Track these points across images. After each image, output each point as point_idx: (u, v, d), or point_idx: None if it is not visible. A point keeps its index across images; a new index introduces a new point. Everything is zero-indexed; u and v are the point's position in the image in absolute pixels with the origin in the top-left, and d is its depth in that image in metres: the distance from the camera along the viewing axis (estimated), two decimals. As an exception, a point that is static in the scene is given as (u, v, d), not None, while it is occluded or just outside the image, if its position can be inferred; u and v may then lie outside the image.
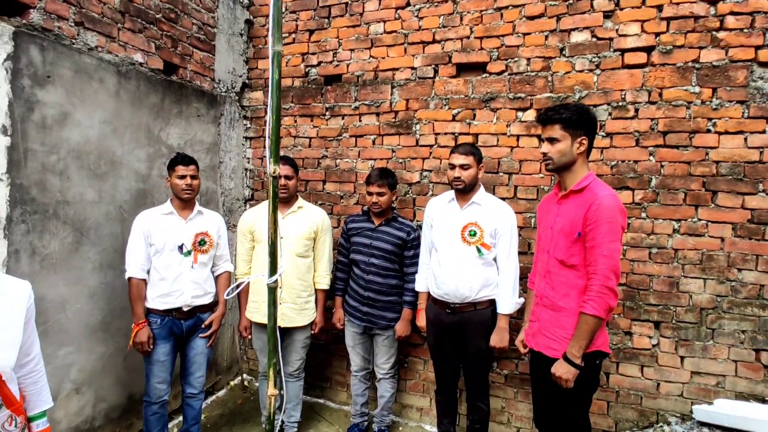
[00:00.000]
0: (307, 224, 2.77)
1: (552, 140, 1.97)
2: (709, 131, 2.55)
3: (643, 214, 2.66)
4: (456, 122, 3.04)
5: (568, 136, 1.94)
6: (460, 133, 3.03)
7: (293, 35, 3.46)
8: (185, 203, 2.51)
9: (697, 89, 2.54)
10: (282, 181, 2.68)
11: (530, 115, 2.86)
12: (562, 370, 1.81)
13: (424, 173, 3.14)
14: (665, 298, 2.62)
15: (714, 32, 2.49)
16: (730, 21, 2.46)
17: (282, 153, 3.41)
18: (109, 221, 2.60)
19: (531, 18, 2.82)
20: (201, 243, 2.53)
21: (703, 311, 2.57)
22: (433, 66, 3.07)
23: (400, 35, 3.14)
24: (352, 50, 3.29)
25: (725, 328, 2.53)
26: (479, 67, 2.98)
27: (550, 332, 1.96)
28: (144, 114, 2.80)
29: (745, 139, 2.49)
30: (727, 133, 2.52)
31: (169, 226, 2.46)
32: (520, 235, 2.66)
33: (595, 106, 2.68)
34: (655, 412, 2.64)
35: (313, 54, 3.40)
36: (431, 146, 3.11)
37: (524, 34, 2.83)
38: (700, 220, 2.58)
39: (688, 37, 2.53)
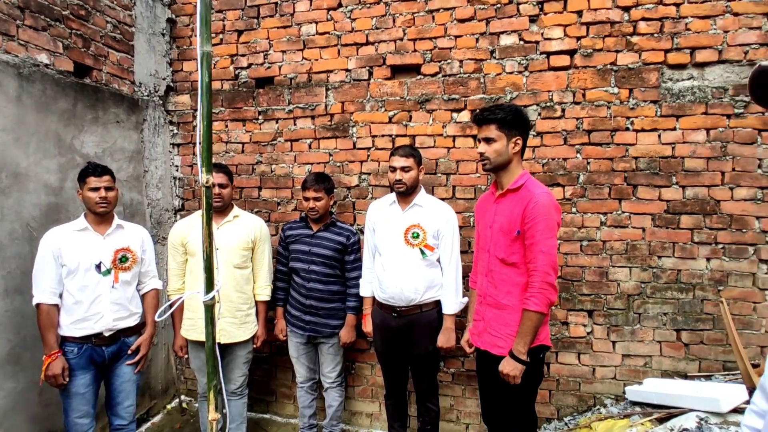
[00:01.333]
0: (244, 234, 2.64)
1: (488, 140, 2.00)
2: (627, 129, 2.72)
3: (574, 209, 2.79)
4: (393, 124, 3.03)
5: (504, 136, 1.98)
6: (397, 135, 3.02)
7: (221, 35, 3.29)
8: (101, 217, 2.28)
9: (615, 90, 2.71)
10: (216, 190, 2.54)
11: (465, 116, 2.91)
12: (509, 368, 1.84)
13: (363, 176, 3.10)
14: (596, 287, 2.77)
15: (628, 37, 2.66)
16: (642, 26, 2.64)
17: (214, 160, 3.23)
18: (15, 241, 2.32)
19: (462, 21, 2.87)
20: (122, 260, 2.32)
21: (630, 297, 2.74)
22: (367, 68, 3.04)
23: (333, 36, 3.09)
24: (283, 52, 3.18)
25: (650, 312, 2.71)
26: (413, 69, 2.99)
27: (495, 330, 1.99)
28: (53, 120, 2.54)
29: (659, 136, 2.69)
30: (643, 130, 2.70)
31: (84, 244, 2.23)
32: (460, 234, 2.70)
33: (525, 106, 2.77)
34: (593, 396, 2.78)
35: (243, 56, 3.26)
36: (369, 149, 3.08)
37: (456, 37, 2.88)
38: (623, 212, 2.74)
39: (606, 41, 2.69)
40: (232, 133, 3.31)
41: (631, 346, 2.73)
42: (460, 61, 2.89)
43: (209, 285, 1.35)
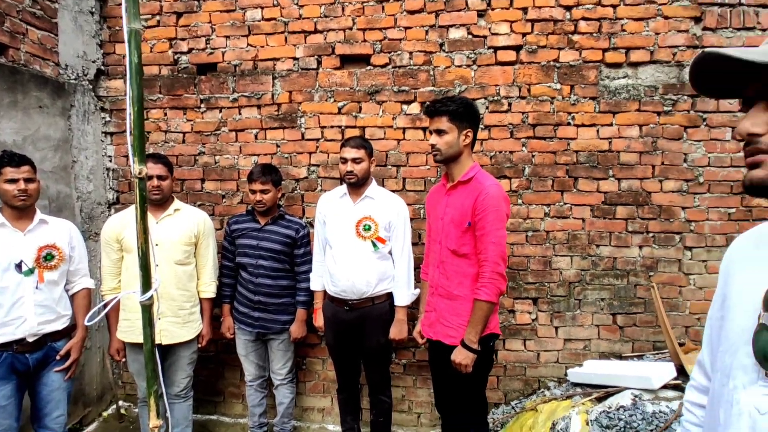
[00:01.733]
0: (186, 228, 2.50)
1: (440, 132, 2.01)
2: (569, 124, 2.83)
3: (520, 201, 2.88)
4: (342, 115, 2.98)
5: (455, 128, 2.00)
6: (347, 126, 2.98)
7: (157, 17, 3.08)
8: (21, 212, 2.07)
9: (558, 86, 2.81)
10: (154, 182, 2.38)
11: (415, 108, 2.91)
12: (461, 357, 1.87)
13: (312, 168, 3.03)
14: (541, 276, 2.88)
15: (570, 35, 2.77)
16: (583, 25, 2.75)
17: (152, 150, 3.04)
18: None
19: (411, 12, 2.86)
20: (47, 258, 2.12)
21: (571, 285, 2.87)
22: (316, 57, 2.97)
23: (279, 23, 2.98)
24: (227, 37, 3.03)
25: (589, 297, 2.86)
26: (363, 60, 2.95)
27: (447, 321, 2.02)
28: (-38, 104, 2.27)
29: (597, 131, 2.83)
30: (583, 125, 2.83)
31: (1, 241, 2.02)
32: (411, 227, 2.71)
33: (474, 99, 2.81)
34: (537, 379, 2.91)
35: (183, 40, 3.07)
36: (318, 140, 3.01)
37: (406, 28, 2.87)
38: (565, 203, 2.87)
39: (549, 38, 2.78)
40: (172, 121, 3.12)
41: (572, 330, 2.87)
42: (410, 53, 2.89)
43: (146, 284, 1.25)
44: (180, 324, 2.46)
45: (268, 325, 2.59)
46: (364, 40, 2.92)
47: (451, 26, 2.84)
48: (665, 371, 2.34)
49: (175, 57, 3.09)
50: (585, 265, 2.86)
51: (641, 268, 2.84)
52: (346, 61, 2.98)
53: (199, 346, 2.60)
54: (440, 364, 2.05)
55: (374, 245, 2.42)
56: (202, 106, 3.08)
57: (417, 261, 2.66)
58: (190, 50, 3.07)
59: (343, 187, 2.55)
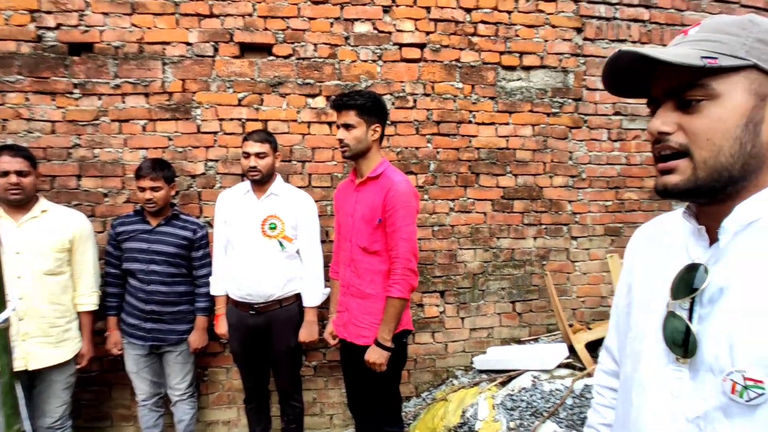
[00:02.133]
0: (57, 232, 2.17)
1: (348, 126, 1.96)
2: (470, 122, 2.95)
3: (426, 196, 2.94)
4: (242, 107, 2.79)
5: (364, 122, 1.96)
6: (248, 119, 2.80)
7: (13, -15, 2.62)
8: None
9: (460, 85, 2.91)
10: (12, 179, 2.03)
11: (320, 101, 2.83)
12: (375, 356, 1.85)
13: (209, 164, 2.80)
14: (447, 269, 2.97)
15: (470, 37, 2.88)
16: (482, 28, 2.88)
17: (9, 141, 2.58)
18: None
19: (315, 2, 2.76)
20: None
21: (475, 276, 3.00)
22: (212, 43, 2.74)
23: (169, 4, 2.70)
24: (105, 14, 2.67)
25: (491, 288, 3.02)
26: (264, 49, 2.79)
27: (359, 320, 1.98)
28: None
29: (496, 130, 2.98)
30: (483, 124, 2.96)
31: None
32: (319, 224, 2.62)
33: (381, 95, 2.80)
34: (446, 370, 3.00)
35: (49, 13, 2.65)
36: (215, 133, 2.79)
37: (310, 19, 2.77)
38: (468, 198, 2.98)
39: (451, 38, 2.86)
40: (37, 108, 2.68)
41: (477, 320, 3.01)
42: (315, 45, 2.79)
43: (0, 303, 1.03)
44: (52, 344, 2.12)
45: (164, 336, 2.35)
46: (266, 29, 2.76)
47: (357, 20, 2.80)
48: (559, 352, 2.55)
49: (39, 33, 2.66)
50: (487, 257, 3.01)
51: (536, 257, 3.06)
52: (247, 49, 2.79)
53: (78, 366, 2.28)
54: (353, 365, 2.00)
55: (281, 244, 2.30)
56: (76, 91, 2.69)
57: (326, 259, 2.59)
58: (58, 26, 2.66)
59: (246, 184, 2.39)
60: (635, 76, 0.69)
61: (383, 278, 1.94)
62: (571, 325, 2.90)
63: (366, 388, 2.01)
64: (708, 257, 0.66)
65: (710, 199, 0.65)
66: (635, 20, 3.04)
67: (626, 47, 0.64)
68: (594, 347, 2.65)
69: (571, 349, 2.61)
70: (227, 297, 2.41)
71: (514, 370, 2.55)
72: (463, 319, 3.00)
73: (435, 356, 2.99)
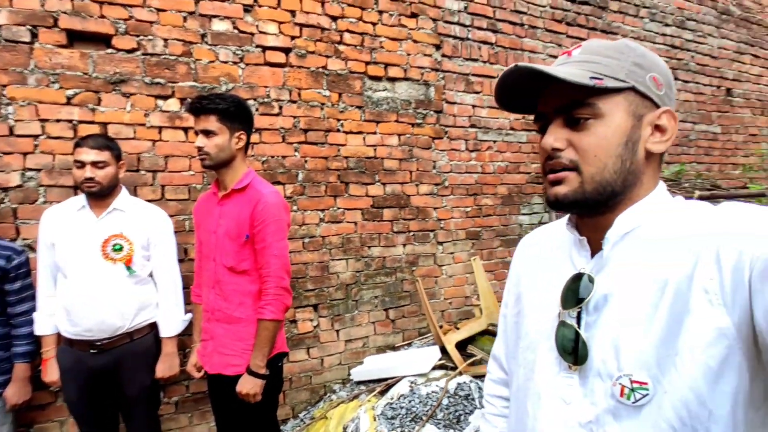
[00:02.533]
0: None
1: (208, 133, 1.77)
2: (339, 130, 2.92)
3: (295, 207, 2.82)
4: (73, 106, 2.35)
5: (226, 129, 1.78)
6: (81, 122, 2.37)
7: None
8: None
9: (327, 93, 2.86)
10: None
11: (173, 104, 2.52)
12: (248, 386, 1.67)
13: (28, 174, 2.30)
14: (319, 282, 2.89)
15: (336, 44, 2.85)
16: (348, 37, 2.87)
17: None
18: None
19: (164, -7, 2.46)
20: None
21: (348, 287, 2.97)
22: (29, 27, 2.26)
23: (-38, -27, 2.15)
24: None
25: (365, 297, 3.01)
26: (102, 40, 2.39)
27: (228, 348, 1.78)
28: None
29: (364, 139, 3.00)
30: (351, 132, 2.95)
31: None
32: (176, 241, 2.33)
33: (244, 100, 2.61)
34: (323, 385, 2.90)
35: None
36: (36, 137, 2.30)
37: (158, 10, 2.45)
38: (339, 208, 2.94)
39: (317, 45, 2.80)
40: None
41: (352, 331, 2.98)
42: (165, 41, 2.48)
43: None
44: None
45: (-37, 395, 1.84)
46: (102, 16, 2.37)
47: (215, 17, 2.56)
48: (432, 354, 2.64)
49: None
50: (359, 266, 3.00)
51: (406, 264, 3.15)
52: (77, 38, 2.36)
53: None
54: (223, 397, 1.80)
55: (128, 269, 1.98)
56: None
57: (186, 281, 2.31)
58: None
59: (80, 199, 2.00)
60: (525, 92, 0.70)
61: (253, 300, 1.78)
62: (441, 327, 3.04)
63: (239, 421, 1.82)
64: (592, 267, 0.69)
65: (594, 211, 0.68)
66: (485, 42, 3.34)
67: (521, 63, 0.64)
68: (463, 346, 2.81)
69: (443, 350, 2.73)
70: (58, 335, 1.98)
71: (392, 378, 2.56)
72: (338, 331, 2.94)
73: (311, 373, 2.88)
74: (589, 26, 3.82)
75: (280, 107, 2.75)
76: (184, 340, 2.28)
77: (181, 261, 2.44)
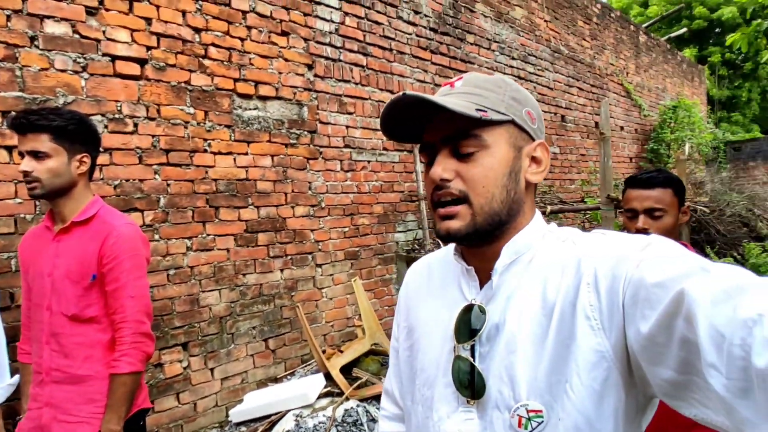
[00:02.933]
0: None
1: (37, 155, 1.47)
2: (206, 151, 2.69)
3: (157, 236, 2.52)
4: None
5: (63, 150, 1.50)
6: None
7: None
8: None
9: (192, 110, 2.63)
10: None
11: (-9, 118, 2.08)
12: (101, 458, 1.40)
13: None
14: (189, 317, 2.60)
15: (201, 59, 2.64)
16: (213, 52, 2.68)
17: None
18: None
19: (-26, -16, 2.03)
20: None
21: (222, 320, 2.73)
22: None
23: None
24: None
25: (241, 329, 2.80)
26: None
27: (72, 414, 1.47)
28: None
29: (234, 160, 2.81)
30: (220, 153, 2.75)
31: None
32: (-3, 285, 1.90)
33: (88, 115, 2.26)
34: (195, 434, 2.60)
35: None
36: None
37: (-34, 5, 2.01)
38: (208, 235, 2.70)
39: (178, 58, 2.56)
40: None
41: (229, 367, 2.73)
42: (-23, 41, 2.05)
43: None
44: None
45: None
46: None
47: (48, 17, 2.19)
48: (317, 383, 2.53)
49: None
50: (234, 296, 2.78)
51: (284, 289, 3.01)
52: None
53: None
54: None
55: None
56: None
57: (11, 335, 1.89)
58: None
59: None
60: (411, 121, 0.69)
61: (104, 351, 1.50)
62: (324, 352, 2.95)
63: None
64: (482, 297, 0.69)
65: (483, 241, 0.69)
66: (356, 64, 3.40)
67: (410, 91, 0.62)
68: (348, 369, 2.76)
69: (328, 376, 2.64)
70: None
71: (275, 414, 2.39)
72: (212, 369, 2.67)
73: (182, 421, 2.56)
74: (450, 55, 4.13)
75: (136, 125, 2.45)
76: (13, 405, 1.85)
77: (5, 309, 2.00)
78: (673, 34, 11.01)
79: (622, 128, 6.86)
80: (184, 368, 2.58)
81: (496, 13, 4.62)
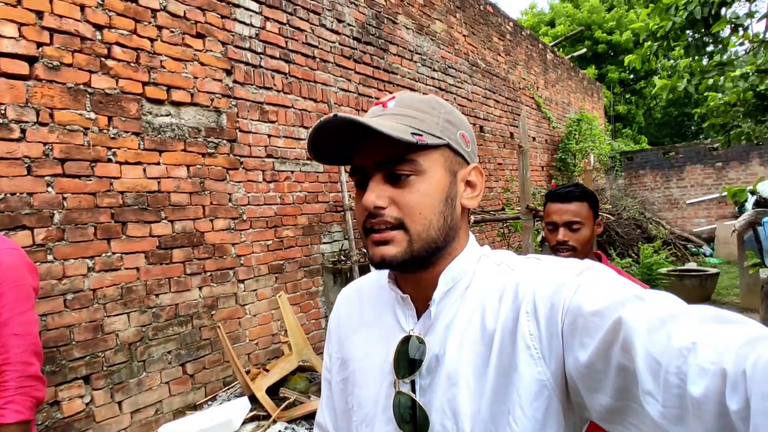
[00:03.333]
0: None
1: None
2: (110, 160, 2.44)
3: (50, 257, 2.23)
4: None
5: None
6: None
7: None
8: None
9: (93, 115, 2.37)
10: None
11: None
12: None
13: None
14: (91, 346, 2.33)
15: (104, 59, 2.39)
16: (118, 51, 2.44)
17: None
18: None
19: None
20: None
21: (131, 346, 2.48)
22: None
23: None
24: None
25: (154, 355, 2.56)
26: None
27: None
28: None
29: (144, 170, 2.58)
30: (127, 163, 2.51)
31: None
32: None
33: (-40, 120, 1.96)
34: (100, 477, 2.33)
35: None
36: None
37: None
38: (114, 253, 2.45)
39: (76, 57, 2.30)
40: None
41: (140, 398, 2.48)
42: None
43: None
44: None
45: None
46: None
47: None
48: (241, 407, 2.38)
49: None
50: (145, 319, 2.55)
51: (203, 309, 2.81)
52: None
53: None
54: None
55: None
56: None
57: None
58: None
59: None
60: (341, 143, 0.65)
61: (-15, 399, 1.28)
62: (248, 372, 2.80)
63: None
64: (420, 327, 0.66)
65: (419, 268, 0.65)
66: (278, 71, 3.29)
67: (342, 113, 0.58)
68: (275, 389, 2.63)
69: (253, 398, 2.50)
70: None
71: (192, 447, 2.21)
72: (120, 403, 2.41)
73: (83, 464, 2.28)
74: (373, 65, 4.15)
75: (23, 130, 2.15)
76: None
77: None
78: (575, 54, 12.03)
79: (534, 139, 7.34)
80: (87, 404, 2.30)
81: (417, 25, 4.73)
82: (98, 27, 2.37)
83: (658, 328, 0.45)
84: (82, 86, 2.32)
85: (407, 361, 0.65)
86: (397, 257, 0.62)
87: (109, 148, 2.44)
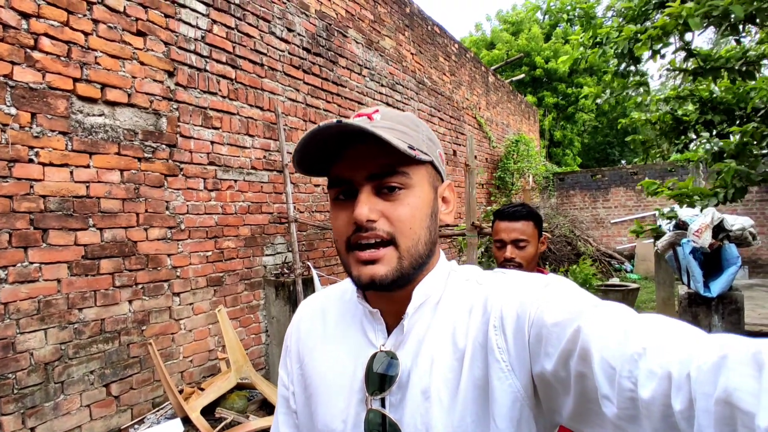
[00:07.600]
0: None
1: None
2: (32, 161, 2.24)
3: (-45, 266, 1.99)
4: None
5: None
6: None
7: None
8: None
9: (13, 111, 2.16)
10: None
11: None
12: None
13: None
14: (1, 366, 2.09)
15: (29, 50, 2.19)
16: (46, 44, 2.25)
17: None
18: None
19: None
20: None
21: (48, 366, 2.25)
22: None
23: None
24: None
25: (74, 375, 2.34)
26: None
27: None
28: None
29: (72, 173, 2.39)
30: (52, 164, 2.31)
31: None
32: None
33: None
34: None
35: None
36: None
37: None
38: (32, 263, 2.23)
39: (-4, 46, 2.09)
40: None
41: (56, 423, 2.25)
42: None
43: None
44: None
45: None
46: None
47: None
48: (173, 430, 2.23)
49: None
50: (66, 336, 2.33)
51: (133, 324, 2.62)
52: None
53: None
54: None
55: None
56: None
57: None
58: None
59: None
60: (325, 153, 0.63)
61: None
62: (181, 392, 2.63)
63: None
64: (392, 342, 0.65)
65: (402, 287, 0.64)
66: (224, 77, 3.18)
67: (346, 120, 0.56)
68: (210, 409, 2.49)
69: (186, 420, 2.34)
70: None
71: (115, 476, 2.03)
72: (33, 429, 2.17)
73: (-18, 502, 2.02)
74: (322, 76, 4.13)
75: (-74, 124, 1.92)
76: None
77: None
78: (515, 78, 12.70)
79: (476, 157, 7.60)
80: (-9, 432, 2.05)
81: (367, 40, 4.78)
82: (24, 15, 2.17)
83: (612, 335, 0.48)
84: (3, 78, 2.12)
85: (378, 376, 0.63)
86: (387, 277, 0.61)
87: (32, 148, 2.23)
